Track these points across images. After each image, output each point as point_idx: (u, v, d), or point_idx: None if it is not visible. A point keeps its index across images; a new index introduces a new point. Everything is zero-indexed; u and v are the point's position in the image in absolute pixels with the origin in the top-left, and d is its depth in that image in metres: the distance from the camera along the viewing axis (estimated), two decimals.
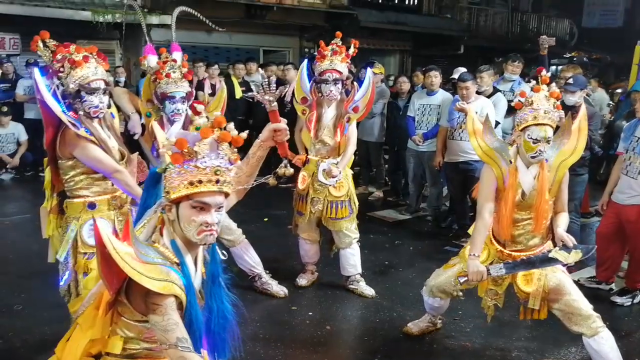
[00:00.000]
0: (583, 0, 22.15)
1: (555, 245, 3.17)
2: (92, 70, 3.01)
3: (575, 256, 3.05)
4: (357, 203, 4.56)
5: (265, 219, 6.52)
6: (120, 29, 10.60)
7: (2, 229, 6.01)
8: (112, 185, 3.17)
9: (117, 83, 8.73)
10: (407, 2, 15.81)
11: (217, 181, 1.79)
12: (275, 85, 2.21)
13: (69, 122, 2.96)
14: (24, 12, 9.20)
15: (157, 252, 1.82)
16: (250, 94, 7.97)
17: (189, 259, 1.90)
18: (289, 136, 2.16)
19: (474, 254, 3.20)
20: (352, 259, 4.56)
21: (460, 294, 3.51)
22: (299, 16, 13.30)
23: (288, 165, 2.32)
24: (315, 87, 4.37)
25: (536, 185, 3.11)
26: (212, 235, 1.83)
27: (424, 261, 5.29)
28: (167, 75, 3.67)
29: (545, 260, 3.13)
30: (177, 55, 3.82)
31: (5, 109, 8.38)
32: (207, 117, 1.80)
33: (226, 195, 1.85)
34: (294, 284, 4.66)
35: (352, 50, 4.40)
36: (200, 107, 1.83)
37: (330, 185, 4.37)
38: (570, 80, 4.88)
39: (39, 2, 9.53)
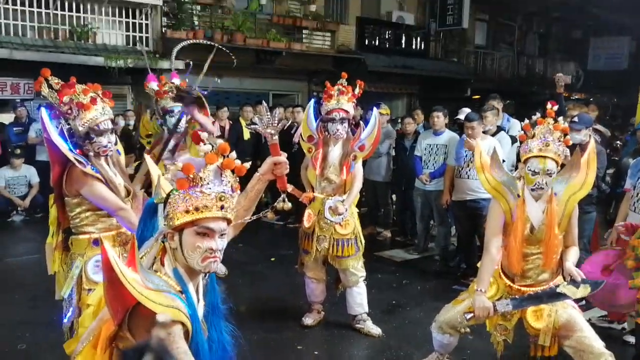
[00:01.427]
0: (588, 44, 22.51)
1: (565, 280, 3.12)
2: (99, 111, 3.08)
3: (583, 291, 3.00)
4: (363, 241, 4.54)
5: (272, 259, 6.50)
6: (132, 74, 10.88)
7: (10, 269, 6.03)
8: (117, 222, 3.19)
9: (127, 126, 8.88)
10: (413, 47, 16.07)
11: (222, 207, 1.80)
12: (277, 119, 2.22)
13: (76, 159, 3.01)
14: (39, 58, 9.44)
15: (161, 280, 1.80)
16: (252, 126, 8.05)
17: (191, 288, 1.87)
18: (288, 169, 2.16)
19: (480, 290, 3.16)
20: (358, 298, 4.51)
21: (468, 330, 3.45)
22: (308, 61, 13.57)
23: (286, 199, 2.32)
24: (322, 125, 4.43)
25: (545, 220, 3.09)
26: (216, 262, 1.82)
27: (432, 300, 5.20)
28: (165, 92, 4.20)
29: (553, 295, 3.08)
30: (176, 80, 4.52)
31: (18, 151, 8.53)
32: (211, 145, 1.82)
33: (229, 222, 1.85)
34: (300, 323, 4.61)
35: (357, 91, 4.47)
36: (204, 135, 1.86)
37: (336, 223, 4.37)
38: (576, 119, 4.91)
39: (54, 49, 9.81)
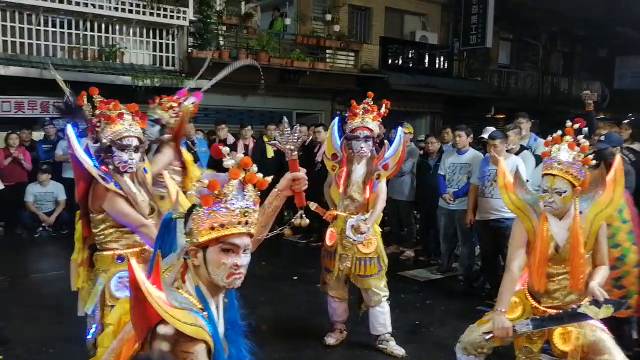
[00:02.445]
0: (614, 63, 22.24)
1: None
2: (125, 127, 3.10)
3: (606, 312, 2.90)
4: (386, 260, 4.50)
5: (295, 277, 6.48)
6: (158, 93, 11.03)
7: (35, 285, 6.11)
8: (140, 238, 3.20)
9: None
10: (437, 66, 16.07)
11: (246, 222, 1.79)
12: (297, 135, 2.21)
13: (99, 175, 3.05)
14: (69, 78, 9.60)
15: (184, 298, 1.79)
16: (273, 142, 8.11)
17: (212, 306, 1.86)
18: (306, 186, 2.13)
19: (500, 309, 3.08)
20: (381, 318, 4.45)
21: (490, 351, 3.36)
22: (331, 80, 13.66)
23: (304, 215, 2.30)
24: (346, 143, 4.43)
25: (570, 238, 3.01)
26: (240, 278, 1.81)
27: (456, 321, 5.10)
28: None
29: (575, 316, 2.98)
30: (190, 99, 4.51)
31: (44, 166, 8.69)
32: (234, 160, 1.82)
33: (251, 236, 1.85)
34: (322, 343, 4.56)
35: (383, 110, 4.47)
36: (225, 150, 1.86)
37: (358, 242, 4.34)
38: (602, 137, 4.83)
39: (83, 68, 10.04)
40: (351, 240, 4.34)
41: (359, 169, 4.39)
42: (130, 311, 1.74)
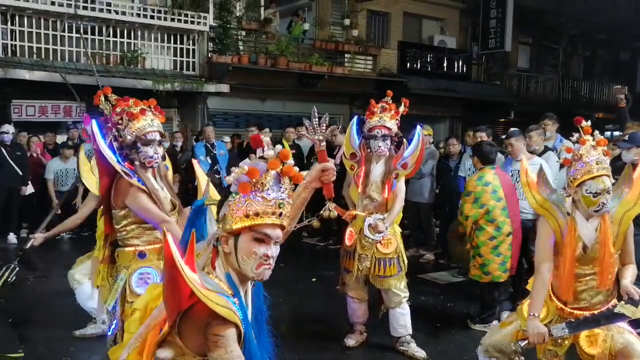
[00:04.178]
0: (636, 66, 21.92)
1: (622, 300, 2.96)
2: (148, 122, 3.13)
3: None
4: (406, 261, 4.48)
5: (314, 279, 6.48)
6: (178, 97, 11.19)
7: (56, 285, 6.17)
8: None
9: (174, 147, 9.08)
10: (456, 70, 16.00)
11: (280, 214, 1.80)
12: (325, 125, 2.19)
13: (123, 171, 3.07)
14: (92, 82, 9.82)
15: (214, 282, 1.80)
16: (299, 133, 8.18)
17: (242, 292, 1.87)
18: (335, 177, 2.11)
19: (533, 314, 2.99)
20: (402, 319, 4.42)
21: (522, 358, 3.30)
22: (350, 84, 13.67)
23: (332, 208, 2.28)
24: (365, 143, 4.41)
25: (599, 238, 2.94)
26: (269, 269, 1.82)
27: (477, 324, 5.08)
28: None
29: (611, 316, 2.92)
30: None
31: (70, 143, 8.68)
32: (274, 150, 1.83)
33: (283, 228, 1.85)
34: (342, 345, 4.55)
35: (402, 108, 4.45)
36: (266, 140, 1.87)
37: (376, 241, 4.32)
38: (626, 137, 4.77)
39: (105, 73, 10.19)
40: (369, 239, 4.32)
41: (377, 168, 4.37)
42: (163, 289, 1.75)
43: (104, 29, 10.54)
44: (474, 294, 6.17)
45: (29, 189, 8.43)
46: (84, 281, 4.53)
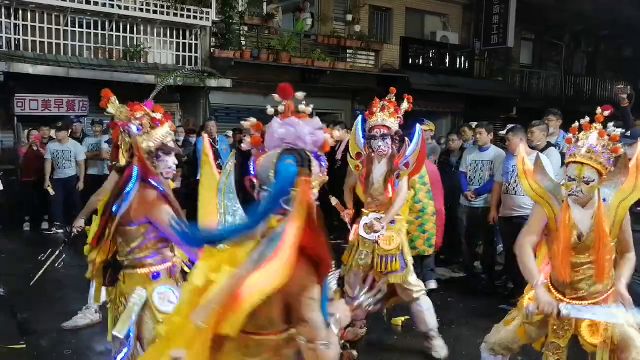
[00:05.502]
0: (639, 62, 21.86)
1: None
2: (168, 130, 2.95)
3: (635, 318, 2.83)
4: (411, 259, 4.42)
5: None
6: (180, 92, 11.21)
7: (60, 278, 6.20)
8: (171, 251, 3.02)
9: (176, 141, 9.08)
10: (458, 66, 15.98)
11: None
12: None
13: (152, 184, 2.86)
14: (93, 77, 9.87)
15: None
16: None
17: None
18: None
19: (538, 282, 2.95)
20: (420, 316, 4.35)
21: (518, 349, 3.31)
22: (352, 80, 13.67)
23: (335, 203, 2.27)
24: (367, 143, 4.36)
25: (594, 226, 2.93)
26: None
27: (477, 319, 5.10)
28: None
29: (608, 315, 2.90)
30: None
31: (60, 124, 8.63)
32: None
33: None
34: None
35: (405, 106, 4.42)
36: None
37: (371, 240, 4.30)
38: (628, 133, 4.77)
39: (108, 68, 10.22)
40: (364, 238, 4.31)
41: (380, 168, 4.33)
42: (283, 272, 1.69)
43: (107, 23, 10.56)
44: (474, 289, 6.23)
45: None
46: None
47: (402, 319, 4.86)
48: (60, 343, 4.46)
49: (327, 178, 1.90)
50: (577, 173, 2.88)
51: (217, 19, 11.59)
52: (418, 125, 4.57)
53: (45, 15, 10.03)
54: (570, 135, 3.02)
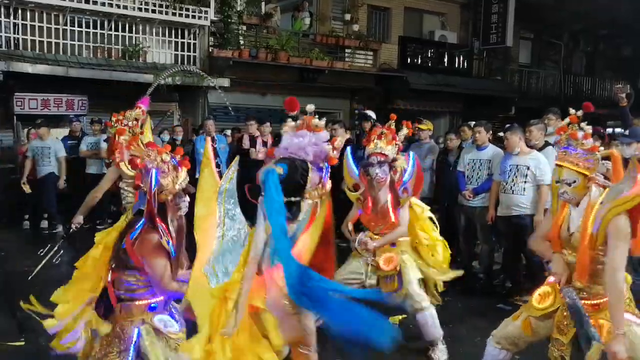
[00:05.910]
0: (638, 61, 21.86)
1: None
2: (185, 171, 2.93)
3: (596, 349, 2.78)
4: (413, 273, 4.39)
5: None
6: (179, 91, 11.23)
7: (59, 276, 6.22)
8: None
9: (174, 141, 9.13)
10: (456, 65, 16.00)
11: None
12: None
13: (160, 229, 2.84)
14: (93, 76, 9.90)
15: None
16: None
17: None
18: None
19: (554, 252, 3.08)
20: (423, 328, 4.36)
21: (524, 346, 3.31)
22: (350, 79, 13.68)
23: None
24: (363, 171, 4.31)
25: (580, 227, 2.93)
26: None
27: (475, 318, 5.13)
28: None
29: (589, 335, 2.88)
30: None
31: (39, 120, 8.62)
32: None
33: None
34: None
35: (405, 131, 4.45)
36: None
37: (365, 257, 4.32)
38: (626, 132, 4.80)
39: (107, 67, 10.24)
40: (357, 249, 4.33)
41: (382, 195, 4.30)
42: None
43: (105, 22, 10.57)
44: (472, 288, 6.24)
45: None
46: None
47: (399, 317, 4.87)
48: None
49: (328, 190, 1.94)
50: (556, 176, 2.96)
51: (215, 18, 11.61)
52: (412, 154, 4.62)
53: (45, 15, 10.05)
54: (561, 135, 3.05)
